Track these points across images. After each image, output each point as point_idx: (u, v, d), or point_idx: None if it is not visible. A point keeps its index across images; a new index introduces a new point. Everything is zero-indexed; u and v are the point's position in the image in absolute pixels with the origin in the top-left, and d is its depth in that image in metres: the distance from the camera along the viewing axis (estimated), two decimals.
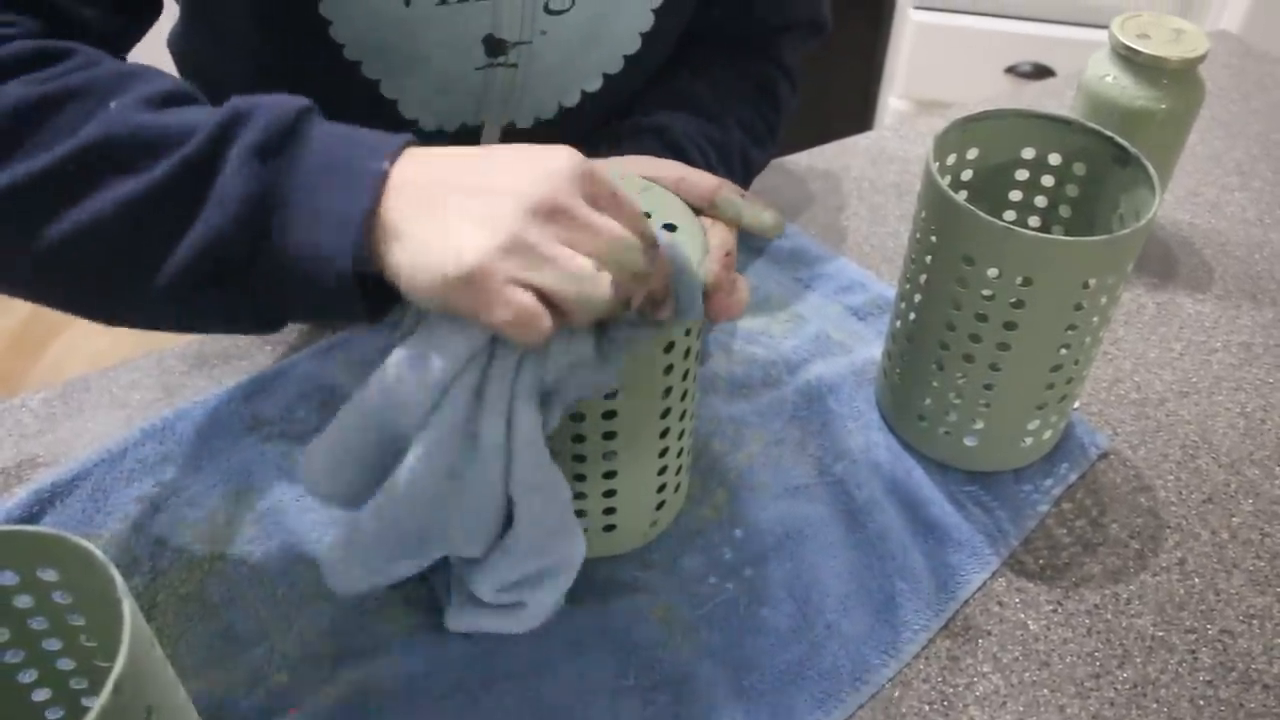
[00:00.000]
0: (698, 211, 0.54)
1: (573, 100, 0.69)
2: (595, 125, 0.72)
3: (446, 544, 0.49)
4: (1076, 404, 0.70)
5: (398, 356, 0.45)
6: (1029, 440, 0.64)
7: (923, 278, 0.60)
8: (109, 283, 0.48)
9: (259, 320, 0.50)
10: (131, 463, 0.65)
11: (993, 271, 0.56)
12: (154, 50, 0.71)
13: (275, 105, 0.46)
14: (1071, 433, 0.68)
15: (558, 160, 0.43)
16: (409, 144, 0.46)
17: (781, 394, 0.69)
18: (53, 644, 0.46)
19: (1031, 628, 0.58)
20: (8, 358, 1.86)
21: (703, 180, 0.55)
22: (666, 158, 0.65)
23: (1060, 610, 0.59)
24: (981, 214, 0.54)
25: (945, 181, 0.62)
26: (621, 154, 0.62)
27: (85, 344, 1.90)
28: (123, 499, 0.64)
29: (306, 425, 0.68)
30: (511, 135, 0.70)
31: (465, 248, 0.41)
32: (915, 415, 0.65)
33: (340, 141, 0.46)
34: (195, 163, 0.45)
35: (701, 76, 0.74)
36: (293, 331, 0.75)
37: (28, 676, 0.47)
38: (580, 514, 0.57)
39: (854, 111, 1.85)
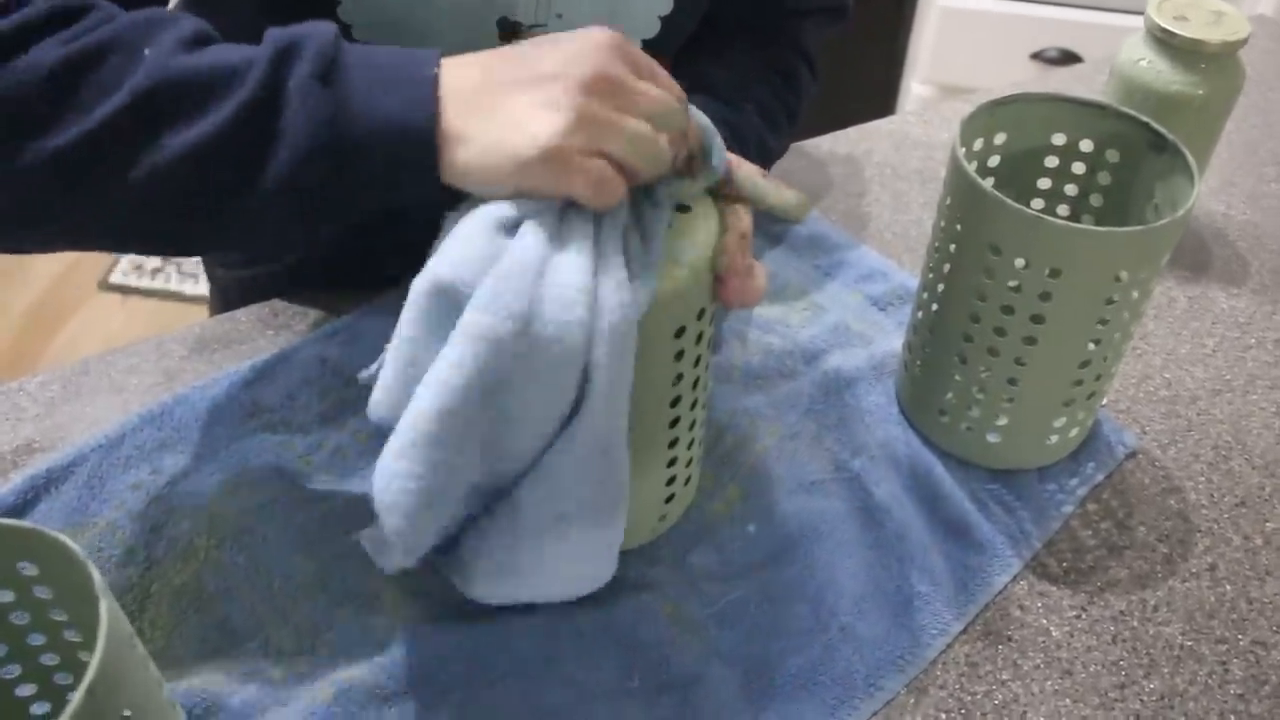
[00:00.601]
0: (713, 193, 0.52)
1: None
2: None
3: (510, 456, 0.45)
4: (1104, 401, 0.68)
5: (453, 228, 0.46)
6: (1054, 438, 0.61)
7: (946, 267, 0.58)
8: (186, 223, 0.49)
9: (331, 225, 0.50)
10: (129, 449, 0.64)
11: (1020, 262, 0.53)
12: None
13: (316, 34, 0.46)
14: (1098, 431, 0.65)
15: (595, 37, 0.46)
16: (442, 54, 0.47)
17: (798, 386, 0.67)
18: (36, 639, 0.44)
19: (1054, 634, 0.56)
20: (23, 337, 1.85)
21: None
22: None
23: (1084, 616, 0.56)
24: (1009, 201, 0.52)
25: (971, 167, 0.60)
26: None
27: (100, 324, 1.90)
28: (119, 486, 0.62)
29: (309, 412, 0.66)
30: None
31: (538, 132, 0.44)
32: (936, 410, 0.63)
33: (383, 58, 0.47)
34: (258, 100, 0.45)
35: (719, 60, 0.71)
36: (295, 315, 0.73)
37: (10, 672, 0.45)
38: None
39: (876, 96, 1.82)
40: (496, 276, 0.42)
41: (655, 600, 0.56)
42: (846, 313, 0.72)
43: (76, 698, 0.33)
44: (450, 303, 0.43)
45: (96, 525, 0.60)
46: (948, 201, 0.57)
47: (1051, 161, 0.62)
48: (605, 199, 0.45)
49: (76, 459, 0.63)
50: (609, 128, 0.45)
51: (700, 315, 0.49)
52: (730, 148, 0.68)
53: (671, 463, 0.55)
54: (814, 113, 0.84)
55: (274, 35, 0.47)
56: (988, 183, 0.62)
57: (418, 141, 0.45)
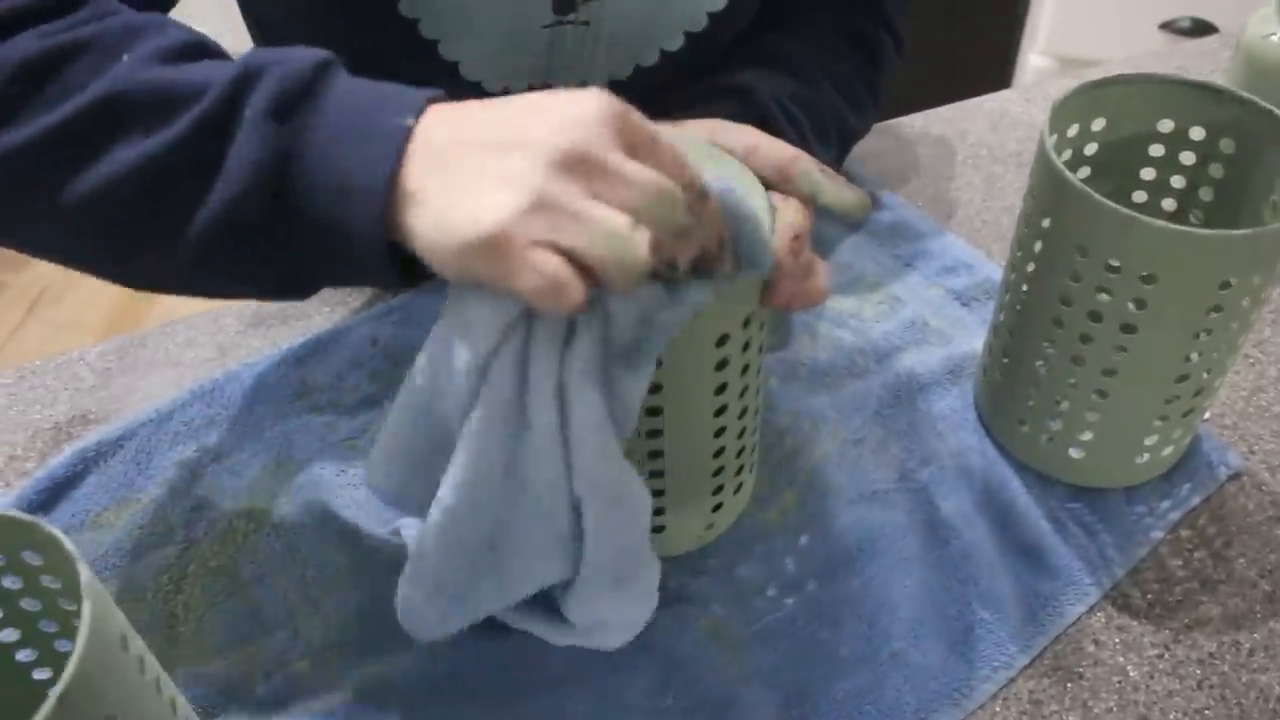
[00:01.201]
0: (770, 187, 0.48)
1: (651, 60, 0.63)
2: (676, 87, 0.66)
3: (522, 560, 0.43)
4: (1206, 415, 0.61)
5: (432, 336, 0.41)
6: (1145, 456, 0.55)
7: (1030, 266, 0.52)
8: (129, 245, 0.45)
9: (288, 286, 0.46)
10: (178, 425, 0.63)
11: (1110, 265, 0.48)
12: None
13: (291, 61, 0.42)
14: (1197, 448, 0.59)
15: (585, 104, 0.38)
16: (434, 99, 0.41)
17: (867, 386, 0.63)
18: (49, 625, 0.44)
19: (1131, 674, 0.50)
20: (126, 300, 1.91)
21: (778, 151, 0.48)
22: (748, 122, 0.58)
23: (1168, 656, 0.51)
24: (1099, 198, 0.46)
25: (1065, 156, 0.55)
26: (695, 117, 0.55)
27: None
28: (165, 462, 0.62)
29: (357, 393, 0.65)
30: None
31: (484, 210, 0.37)
32: (1016, 419, 0.57)
33: (361, 98, 0.42)
34: (209, 123, 0.41)
35: (794, 33, 0.67)
36: (353, 292, 0.72)
37: (28, 656, 0.45)
38: None
39: (990, 69, 1.72)
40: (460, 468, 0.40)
41: (695, 614, 0.53)
42: (925, 308, 0.67)
43: (46, 705, 0.32)
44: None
45: (140, 501, 0.60)
46: (1033, 193, 0.51)
47: (1157, 150, 0.56)
48: (556, 305, 0.37)
49: (126, 433, 0.63)
50: (570, 218, 0.37)
51: (747, 322, 0.46)
52: (806, 132, 0.64)
53: (718, 472, 0.52)
54: (923, 86, 0.79)
55: (249, 55, 0.43)
56: (1083, 173, 0.56)
57: (364, 196, 0.39)
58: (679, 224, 0.38)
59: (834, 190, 0.48)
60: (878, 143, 0.80)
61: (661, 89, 0.64)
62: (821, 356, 0.64)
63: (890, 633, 0.52)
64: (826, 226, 0.72)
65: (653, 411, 0.46)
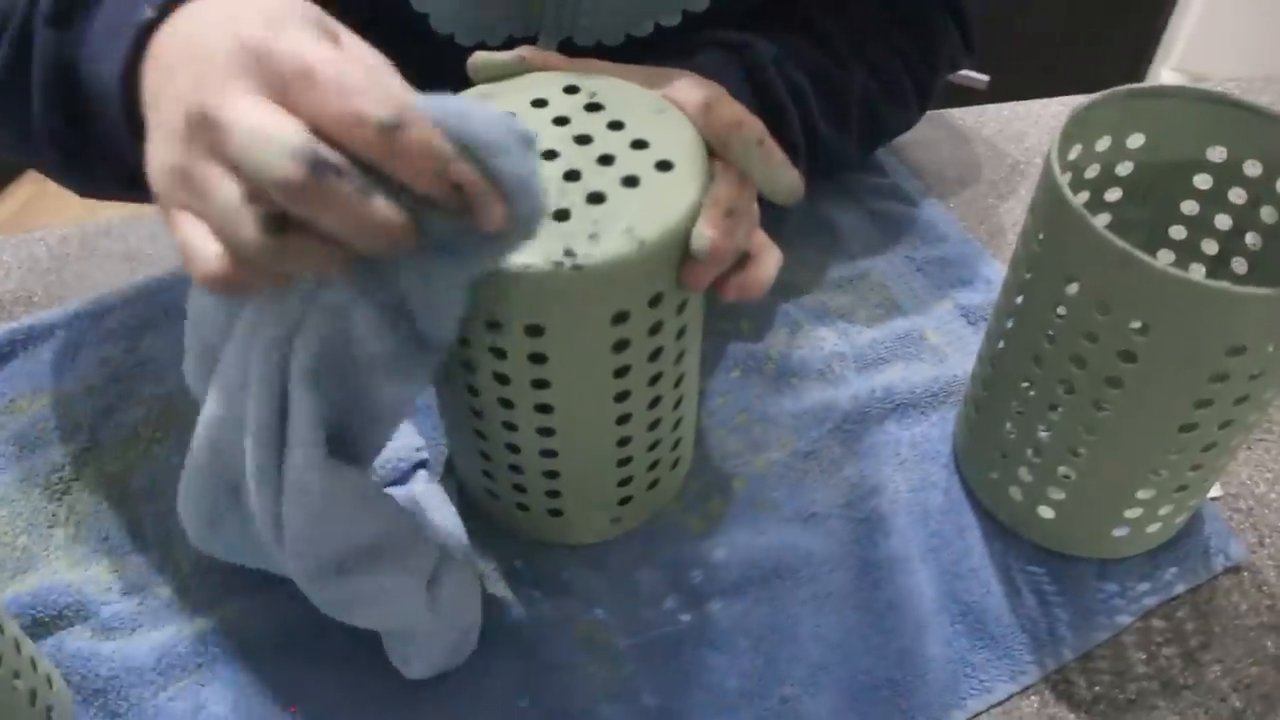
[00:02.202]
0: (713, 153, 0.42)
1: (645, 31, 0.57)
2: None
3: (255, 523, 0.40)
4: (1216, 493, 0.53)
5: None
6: (1123, 530, 0.48)
7: (1019, 297, 0.45)
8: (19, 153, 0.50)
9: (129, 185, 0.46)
10: (113, 321, 0.61)
11: (1100, 305, 0.41)
12: None
13: None
14: (1196, 529, 0.51)
15: (231, 36, 0.31)
16: None
17: (835, 395, 0.56)
18: None
19: None
20: None
21: (728, 113, 0.42)
22: (733, 80, 0.52)
23: None
24: (1094, 223, 0.39)
25: (1092, 172, 0.47)
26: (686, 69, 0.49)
27: None
28: (91, 359, 0.59)
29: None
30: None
31: (149, 166, 0.33)
32: (987, 462, 0.51)
33: None
34: (15, 41, 0.44)
35: (841, 10, 0.59)
36: None
37: None
38: (520, 489, 0.47)
39: (1118, 82, 1.59)
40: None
41: (576, 613, 0.48)
42: (927, 319, 0.60)
43: None
44: None
45: (56, 394, 0.57)
46: (1034, 208, 0.44)
47: (1203, 181, 0.48)
48: (194, 270, 0.31)
49: (60, 322, 0.61)
50: (200, 188, 0.31)
51: (655, 302, 0.40)
52: (816, 110, 0.57)
53: (625, 462, 0.46)
54: (1040, 92, 0.71)
55: None
56: (1112, 195, 0.49)
57: (110, 100, 0.38)
58: (274, 177, 0.29)
59: (764, 167, 0.41)
60: (922, 132, 0.72)
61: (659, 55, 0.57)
62: (795, 354, 0.58)
63: (787, 674, 0.46)
64: (838, 212, 0.65)
65: (538, 384, 0.41)
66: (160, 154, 0.32)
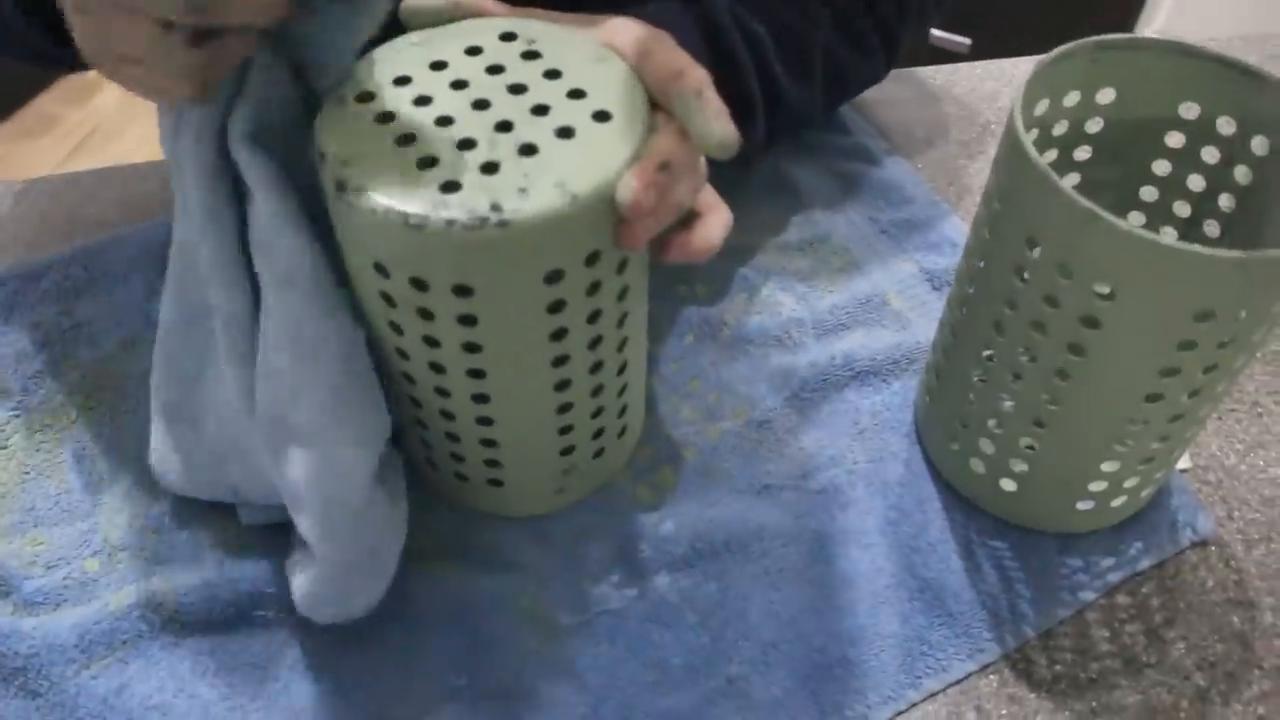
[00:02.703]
0: (654, 103, 0.39)
1: None
2: None
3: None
4: (1185, 465, 0.52)
5: None
6: (1088, 504, 0.46)
7: (980, 261, 0.43)
8: None
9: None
10: (50, 282, 0.58)
11: (1065, 266, 0.38)
12: None
13: None
14: (1163, 503, 0.50)
15: None
16: None
17: (792, 362, 0.54)
18: None
19: None
20: None
21: (668, 61, 0.39)
22: (685, 30, 0.49)
23: None
24: (1057, 180, 0.37)
25: (1061, 129, 0.45)
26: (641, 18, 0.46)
27: None
28: (26, 319, 0.57)
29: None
30: None
31: (75, 35, 0.35)
32: (948, 433, 0.49)
33: None
34: None
35: None
36: None
37: None
38: (457, 458, 0.45)
39: None
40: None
41: (520, 587, 0.46)
42: (890, 283, 0.58)
43: None
44: None
45: None
46: (996, 165, 0.42)
47: (1175, 140, 0.46)
48: (163, 100, 0.36)
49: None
50: (115, 32, 0.34)
51: (592, 260, 0.38)
52: (773, 59, 0.54)
53: (566, 430, 0.44)
54: (1016, 52, 0.69)
55: None
56: (1082, 154, 0.47)
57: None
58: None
59: (701, 118, 0.38)
60: (890, 90, 0.70)
61: None
62: (751, 320, 0.56)
63: (734, 652, 0.44)
64: (799, 171, 0.63)
65: (470, 348, 0.39)
66: (77, 27, 0.34)
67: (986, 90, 0.71)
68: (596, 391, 0.43)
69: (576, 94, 0.38)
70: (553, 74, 0.39)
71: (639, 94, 0.39)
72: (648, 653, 0.44)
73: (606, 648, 0.44)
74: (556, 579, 0.46)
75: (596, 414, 0.45)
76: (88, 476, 0.50)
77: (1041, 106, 0.44)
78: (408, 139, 0.37)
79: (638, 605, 0.46)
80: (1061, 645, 0.46)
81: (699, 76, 0.38)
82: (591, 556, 0.47)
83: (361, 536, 0.41)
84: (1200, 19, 1.41)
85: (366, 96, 0.38)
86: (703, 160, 0.40)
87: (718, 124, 0.37)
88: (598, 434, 0.46)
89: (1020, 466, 0.46)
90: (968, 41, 1.59)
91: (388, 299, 0.38)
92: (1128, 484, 0.45)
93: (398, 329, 0.39)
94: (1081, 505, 0.46)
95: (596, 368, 0.42)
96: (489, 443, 0.44)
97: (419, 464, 0.48)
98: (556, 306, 0.38)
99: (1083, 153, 0.47)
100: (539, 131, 0.37)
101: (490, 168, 0.36)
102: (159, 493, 0.49)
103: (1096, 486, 0.45)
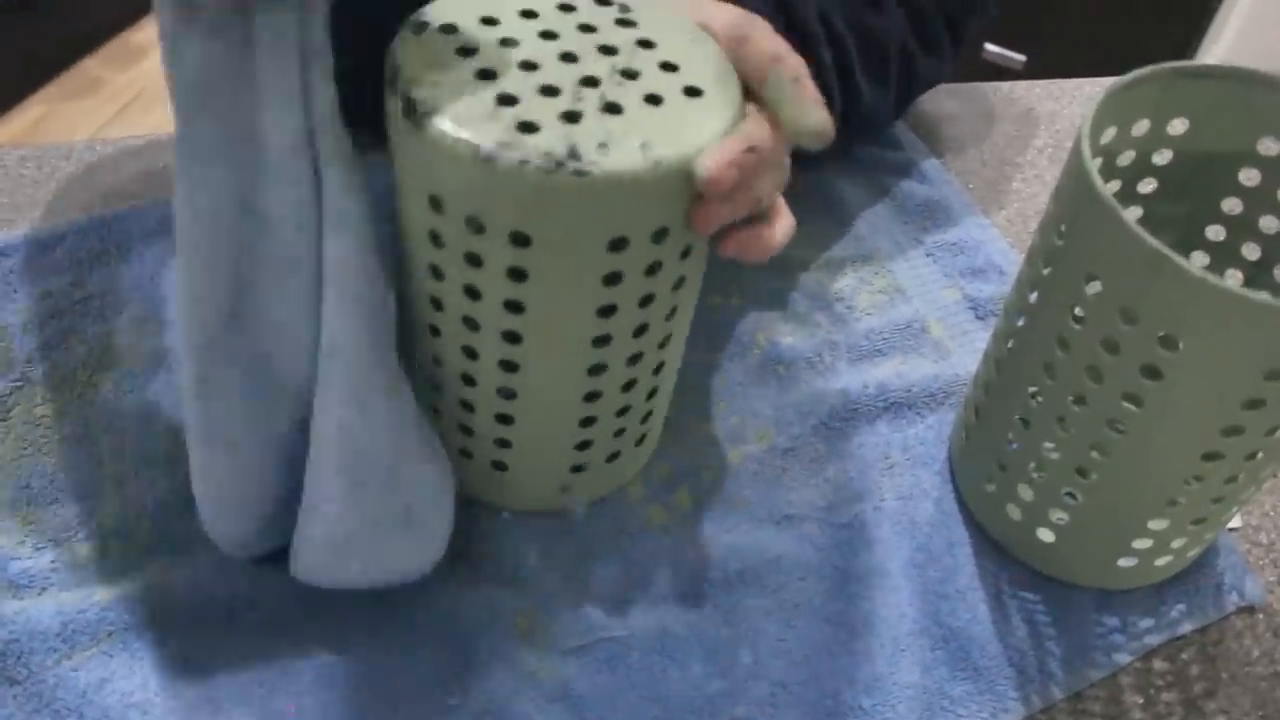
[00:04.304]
0: (748, 92, 0.37)
1: None
2: None
3: (264, 327, 0.38)
4: (1235, 524, 0.49)
5: None
6: (1131, 560, 0.44)
7: (1033, 295, 0.40)
8: None
9: None
10: (61, 253, 0.57)
11: (1127, 310, 0.36)
12: None
13: None
14: (1209, 562, 0.47)
15: None
16: None
17: (823, 388, 0.52)
18: None
19: None
20: None
21: (765, 47, 0.38)
22: (774, 25, 0.47)
23: None
24: (1125, 217, 0.34)
25: (1126, 159, 0.42)
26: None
27: None
28: (34, 290, 0.55)
29: None
30: None
31: None
32: (984, 475, 0.46)
33: None
34: None
35: None
36: None
37: None
38: (466, 430, 0.43)
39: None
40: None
41: (516, 605, 0.44)
42: (932, 309, 0.55)
43: None
44: None
45: None
46: (1057, 195, 0.39)
47: (1250, 178, 0.43)
48: None
49: (4, 248, 0.56)
50: None
51: (660, 237, 0.35)
52: (853, 62, 0.52)
53: (587, 422, 0.42)
54: (1077, 71, 0.66)
55: None
56: (1147, 186, 0.44)
57: None
58: None
59: (794, 106, 0.36)
60: (946, 105, 0.67)
61: None
62: (784, 340, 0.53)
63: (741, 691, 0.42)
64: (845, 185, 0.60)
65: (512, 306, 0.37)
66: None
67: (1045, 111, 0.68)
68: (629, 386, 0.41)
69: (668, 66, 0.37)
70: (645, 43, 0.37)
71: (733, 78, 0.37)
72: (649, 685, 0.42)
73: (607, 676, 0.42)
74: (558, 599, 0.44)
75: (622, 411, 0.42)
76: (86, 457, 0.49)
77: (1108, 134, 0.41)
78: (487, 74, 0.35)
79: (642, 633, 0.43)
80: (1091, 710, 0.43)
81: (796, 63, 0.36)
82: (597, 577, 0.45)
83: (395, 492, 0.39)
84: (1270, 44, 1.36)
85: (449, 29, 0.36)
86: (788, 159, 0.38)
87: (814, 110, 0.36)
88: (618, 433, 0.43)
89: (1060, 516, 0.43)
90: (1022, 58, 1.56)
91: (435, 239, 0.36)
92: (1175, 544, 0.43)
93: (438, 274, 0.37)
94: (1123, 562, 0.44)
95: (635, 359, 0.40)
96: (505, 419, 0.41)
97: None
98: (613, 279, 0.36)
99: (1147, 185, 0.44)
100: (626, 94, 0.35)
101: (572, 117, 0.34)
102: (158, 480, 0.47)
103: (1141, 544, 0.43)
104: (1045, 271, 0.39)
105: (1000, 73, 1.57)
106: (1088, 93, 0.69)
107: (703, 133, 0.34)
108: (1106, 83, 0.39)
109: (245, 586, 0.44)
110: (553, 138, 0.33)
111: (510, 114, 0.33)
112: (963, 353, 0.53)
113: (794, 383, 0.52)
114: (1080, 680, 0.43)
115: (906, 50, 0.56)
